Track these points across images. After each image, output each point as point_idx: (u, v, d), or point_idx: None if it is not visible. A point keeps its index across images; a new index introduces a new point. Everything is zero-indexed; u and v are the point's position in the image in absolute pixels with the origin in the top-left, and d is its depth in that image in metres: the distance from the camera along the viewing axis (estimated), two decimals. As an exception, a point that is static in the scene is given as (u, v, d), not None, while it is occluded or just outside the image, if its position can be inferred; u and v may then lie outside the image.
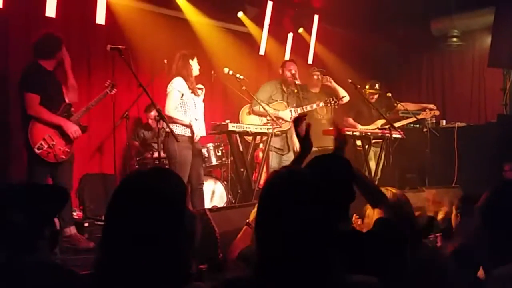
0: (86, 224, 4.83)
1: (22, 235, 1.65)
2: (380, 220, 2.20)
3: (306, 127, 2.27)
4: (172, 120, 4.45)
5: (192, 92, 4.64)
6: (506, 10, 5.93)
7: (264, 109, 4.98)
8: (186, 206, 1.47)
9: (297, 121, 2.30)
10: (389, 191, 2.53)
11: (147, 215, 1.34)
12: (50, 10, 5.11)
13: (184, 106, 4.58)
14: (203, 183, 4.81)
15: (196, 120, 4.60)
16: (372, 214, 2.45)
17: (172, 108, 4.50)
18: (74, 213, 5.12)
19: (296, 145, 5.42)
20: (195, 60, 4.71)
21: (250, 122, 5.25)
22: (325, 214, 1.47)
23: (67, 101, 4.27)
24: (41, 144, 3.97)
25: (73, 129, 4.12)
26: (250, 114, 5.16)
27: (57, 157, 4.04)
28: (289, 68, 5.54)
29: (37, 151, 3.95)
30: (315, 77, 6.15)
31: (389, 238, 1.92)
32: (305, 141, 2.27)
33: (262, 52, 7.10)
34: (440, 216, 3.04)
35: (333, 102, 5.63)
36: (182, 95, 4.56)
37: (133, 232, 1.33)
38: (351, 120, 6.37)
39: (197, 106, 4.67)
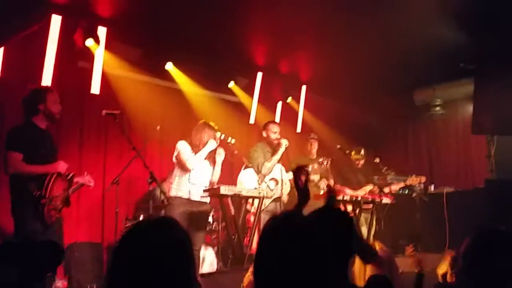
0: (72, 294, 4.65)
1: None
2: (375, 277, 2.18)
3: (305, 178, 2.28)
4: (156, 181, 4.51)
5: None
6: (485, 79, 6.22)
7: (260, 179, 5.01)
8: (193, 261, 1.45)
9: (297, 172, 2.29)
10: (379, 245, 2.55)
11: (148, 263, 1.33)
12: (46, 79, 5.24)
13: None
14: (198, 250, 4.72)
15: (189, 182, 4.70)
16: (360, 270, 2.44)
17: (188, 156, 4.68)
18: (59, 283, 4.94)
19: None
20: (212, 132, 4.84)
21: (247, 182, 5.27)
22: (323, 264, 1.45)
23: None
24: (52, 198, 3.74)
25: (60, 165, 3.86)
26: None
27: (50, 219, 3.73)
28: (273, 130, 5.50)
29: (43, 201, 3.66)
30: (311, 144, 6.27)
31: None
32: (303, 191, 2.27)
33: (252, 120, 7.27)
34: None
35: (325, 162, 5.66)
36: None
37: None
38: (338, 186, 6.41)
39: (194, 170, 4.75)
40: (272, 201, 5.17)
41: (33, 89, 4.03)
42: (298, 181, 2.27)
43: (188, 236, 1.45)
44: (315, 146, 6.30)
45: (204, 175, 4.81)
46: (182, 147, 4.75)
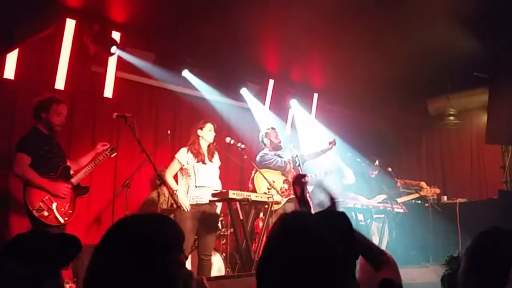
0: (79, 297, 4.63)
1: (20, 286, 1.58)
2: (385, 280, 2.11)
3: (301, 188, 2.28)
4: (166, 183, 4.63)
5: (198, 161, 4.74)
6: (500, 89, 6.13)
7: (269, 183, 4.99)
8: (180, 260, 1.37)
9: (295, 181, 2.31)
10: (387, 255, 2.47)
11: (135, 259, 1.27)
12: (59, 83, 5.29)
13: (186, 173, 4.70)
14: (209, 255, 4.72)
15: (196, 187, 4.64)
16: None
17: (168, 174, 4.73)
18: (67, 285, 4.94)
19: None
20: (206, 128, 4.83)
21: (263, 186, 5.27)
22: (333, 265, 1.42)
23: (68, 163, 4.28)
24: (40, 206, 3.92)
25: (60, 190, 4.04)
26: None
27: (58, 219, 3.98)
28: (275, 136, 5.67)
29: (36, 214, 3.89)
30: None
31: None
32: (301, 201, 2.25)
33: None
34: None
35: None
36: (183, 164, 4.71)
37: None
38: (352, 194, 6.36)
39: (199, 173, 4.72)
40: (287, 201, 5.18)
41: (43, 97, 4.20)
42: (295, 189, 2.27)
43: (179, 231, 1.37)
44: None
45: (211, 176, 4.80)
46: (172, 162, 4.81)
